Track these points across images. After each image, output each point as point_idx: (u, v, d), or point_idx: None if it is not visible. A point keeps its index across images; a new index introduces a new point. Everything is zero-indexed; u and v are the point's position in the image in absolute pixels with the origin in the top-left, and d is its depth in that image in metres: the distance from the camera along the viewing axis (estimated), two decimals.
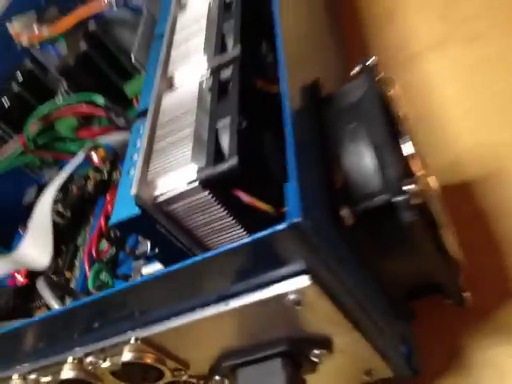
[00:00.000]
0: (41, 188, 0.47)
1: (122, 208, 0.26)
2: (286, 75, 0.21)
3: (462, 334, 0.27)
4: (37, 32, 0.54)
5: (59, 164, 0.49)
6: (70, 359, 0.22)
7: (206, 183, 0.22)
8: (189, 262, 0.19)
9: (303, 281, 0.18)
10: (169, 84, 0.29)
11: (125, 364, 0.21)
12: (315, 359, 0.21)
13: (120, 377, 0.22)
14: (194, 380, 0.23)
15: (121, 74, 0.50)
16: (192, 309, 0.20)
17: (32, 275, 0.39)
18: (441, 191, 0.26)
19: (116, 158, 0.44)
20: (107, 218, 0.38)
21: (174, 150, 0.24)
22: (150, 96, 0.30)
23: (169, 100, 0.28)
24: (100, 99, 0.45)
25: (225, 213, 0.23)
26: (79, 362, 0.22)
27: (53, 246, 0.37)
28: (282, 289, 0.18)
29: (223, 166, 0.21)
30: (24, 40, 0.54)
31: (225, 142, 0.23)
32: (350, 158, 0.21)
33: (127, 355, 0.21)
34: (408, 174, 0.19)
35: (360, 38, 0.43)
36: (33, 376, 0.23)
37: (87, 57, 0.49)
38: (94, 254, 0.36)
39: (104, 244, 0.38)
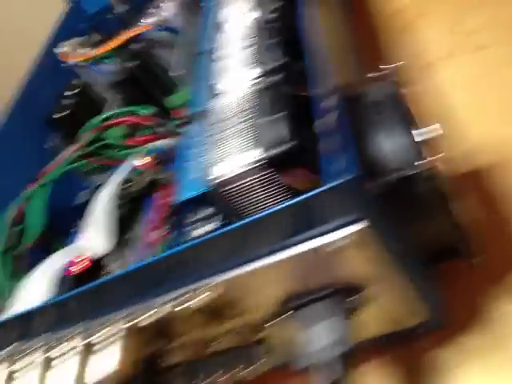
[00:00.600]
0: (92, 192, 0.52)
1: (189, 188, 0.31)
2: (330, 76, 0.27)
3: (481, 294, 0.32)
4: (83, 52, 0.60)
5: (109, 170, 0.54)
6: (157, 304, 0.27)
7: (270, 162, 0.27)
8: (261, 215, 0.24)
9: (357, 227, 0.23)
10: (219, 90, 0.35)
11: (196, 309, 0.26)
12: (357, 303, 0.26)
13: (198, 320, 0.27)
14: (259, 323, 0.28)
15: (161, 89, 0.55)
16: (262, 256, 0.24)
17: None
18: (453, 171, 0.31)
19: (160, 162, 0.50)
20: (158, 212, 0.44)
21: (236, 139, 0.30)
22: (200, 102, 0.35)
23: (222, 103, 0.33)
24: (146, 110, 0.51)
25: (282, 189, 0.29)
26: (163, 306, 0.27)
27: (117, 232, 0.42)
28: (339, 235, 0.23)
29: (286, 147, 0.27)
30: (72, 60, 0.60)
31: (281, 130, 0.28)
32: (376, 144, 0.27)
33: (200, 300, 0.25)
34: (419, 154, 0.25)
35: (377, 51, 0.48)
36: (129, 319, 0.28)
37: (131, 73, 0.54)
38: (151, 242, 0.41)
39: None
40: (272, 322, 0.27)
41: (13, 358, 0.30)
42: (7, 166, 0.51)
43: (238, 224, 0.25)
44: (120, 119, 0.52)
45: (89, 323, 0.28)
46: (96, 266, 0.43)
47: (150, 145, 0.49)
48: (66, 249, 0.45)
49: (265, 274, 0.25)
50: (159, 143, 0.49)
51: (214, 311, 0.27)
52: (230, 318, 0.27)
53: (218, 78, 0.36)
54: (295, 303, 0.26)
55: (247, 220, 0.24)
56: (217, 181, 0.29)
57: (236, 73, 0.35)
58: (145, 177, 0.49)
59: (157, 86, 0.55)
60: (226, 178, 0.29)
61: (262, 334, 0.28)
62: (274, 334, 0.28)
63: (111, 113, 0.53)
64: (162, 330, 0.27)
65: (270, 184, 0.28)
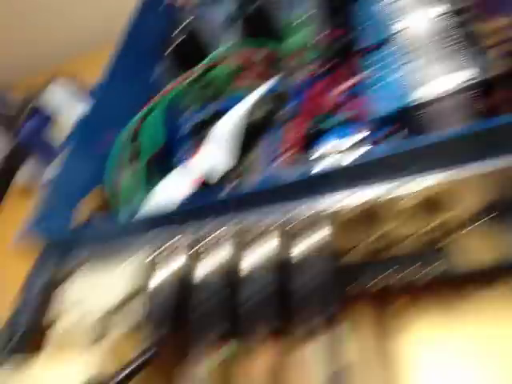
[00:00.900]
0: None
1: (389, 103, 0.33)
2: None
3: None
4: None
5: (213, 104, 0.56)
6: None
7: (480, 84, 0.30)
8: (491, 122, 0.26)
9: None
10: (398, 29, 0.37)
11: (399, 208, 0.28)
12: None
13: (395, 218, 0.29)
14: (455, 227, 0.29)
15: (273, 34, 0.57)
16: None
17: None
18: None
19: (276, 98, 0.51)
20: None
21: (435, 65, 0.32)
22: (373, 38, 0.38)
23: (405, 36, 0.36)
24: (261, 48, 0.53)
25: (481, 112, 0.31)
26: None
27: (239, 153, 0.45)
28: None
29: (497, 71, 0.29)
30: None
31: (489, 57, 0.31)
32: None
33: (406, 201, 0.28)
34: None
35: None
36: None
37: (245, 17, 0.56)
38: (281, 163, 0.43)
39: None
40: (472, 226, 0.29)
41: (197, 238, 0.32)
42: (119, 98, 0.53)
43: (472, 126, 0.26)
44: (234, 55, 0.54)
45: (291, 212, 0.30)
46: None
47: (269, 82, 0.51)
48: (188, 164, 0.47)
49: (479, 181, 0.27)
50: (276, 81, 0.51)
51: (417, 211, 0.29)
52: (430, 218, 0.29)
53: (393, 18, 0.38)
54: (500, 209, 0.28)
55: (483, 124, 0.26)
56: (419, 101, 0.31)
57: (414, 13, 0.37)
58: (260, 111, 0.51)
59: (269, 30, 0.57)
60: (429, 98, 0.31)
61: (448, 240, 0.30)
62: (462, 240, 0.30)
63: (225, 48, 0.54)
64: (361, 223, 0.30)
65: (471, 106, 0.31)
